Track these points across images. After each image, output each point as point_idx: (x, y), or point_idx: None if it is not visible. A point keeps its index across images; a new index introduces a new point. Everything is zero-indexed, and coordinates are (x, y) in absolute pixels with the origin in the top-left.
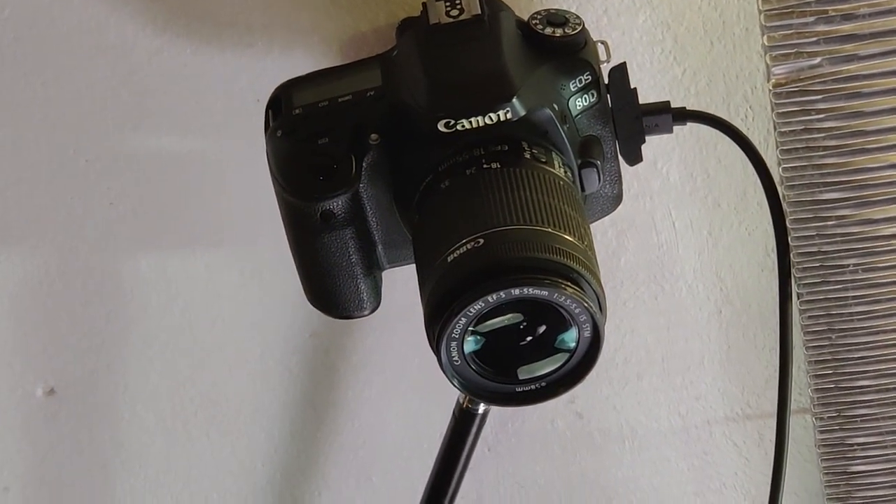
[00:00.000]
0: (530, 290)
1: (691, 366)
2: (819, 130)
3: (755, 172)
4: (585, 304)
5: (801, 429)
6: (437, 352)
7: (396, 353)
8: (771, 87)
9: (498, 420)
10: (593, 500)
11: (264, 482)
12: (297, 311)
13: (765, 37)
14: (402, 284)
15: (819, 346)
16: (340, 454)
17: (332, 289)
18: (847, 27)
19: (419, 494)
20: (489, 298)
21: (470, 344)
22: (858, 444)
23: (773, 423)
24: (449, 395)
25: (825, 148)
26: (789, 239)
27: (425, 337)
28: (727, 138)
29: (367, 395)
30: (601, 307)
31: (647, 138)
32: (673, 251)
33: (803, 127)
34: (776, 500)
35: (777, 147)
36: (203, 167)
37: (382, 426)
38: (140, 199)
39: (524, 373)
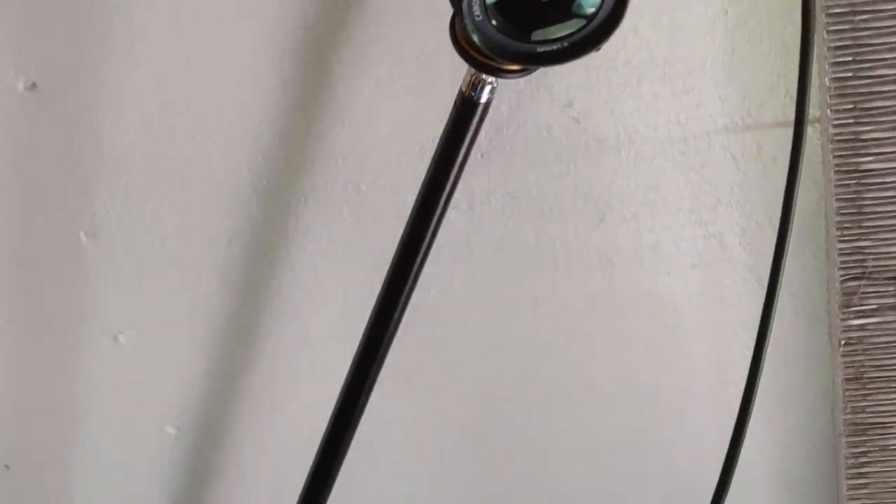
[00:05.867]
0: None
1: (693, 70)
2: None
3: None
4: None
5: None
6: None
7: (392, 49)
8: None
9: (493, 125)
10: (586, 213)
11: (250, 190)
12: (291, 2)
13: None
14: None
15: (840, 30)
16: (329, 160)
17: None
18: None
19: (408, 204)
20: None
21: None
22: (873, 140)
23: (773, 134)
24: (444, 97)
25: None
26: None
27: (424, 31)
28: None
29: (358, 95)
30: None
31: None
32: None
33: None
34: (790, 202)
35: None
36: None
37: (373, 129)
38: None
39: (538, 35)
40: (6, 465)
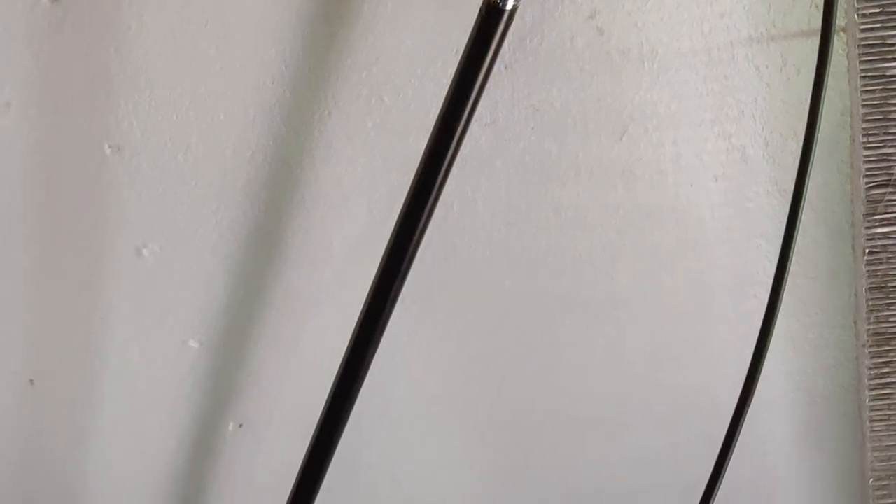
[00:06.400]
0: None
1: None
2: None
3: None
4: None
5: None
6: None
7: None
8: None
9: (516, 36)
10: (609, 125)
11: (273, 101)
12: None
13: None
14: None
15: None
16: (352, 72)
17: None
18: None
19: (432, 116)
20: None
21: None
22: None
23: (797, 45)
24: (469, 10)
25: None
26: None
27: None
28: None
29: (382, 7)
30: None
31: None
32: None
33: None
34: (816, 113)
35: None
36: None
37: (397, 42)
38: None
39: None
40: (31, 380)
